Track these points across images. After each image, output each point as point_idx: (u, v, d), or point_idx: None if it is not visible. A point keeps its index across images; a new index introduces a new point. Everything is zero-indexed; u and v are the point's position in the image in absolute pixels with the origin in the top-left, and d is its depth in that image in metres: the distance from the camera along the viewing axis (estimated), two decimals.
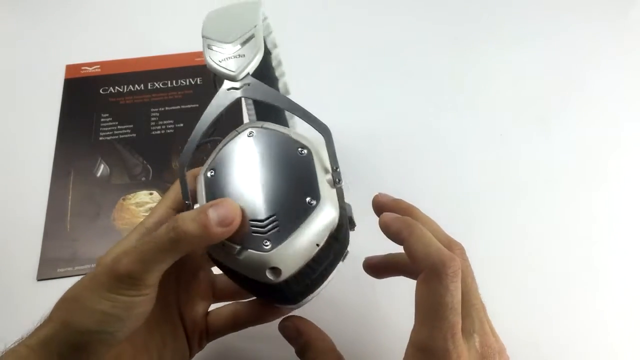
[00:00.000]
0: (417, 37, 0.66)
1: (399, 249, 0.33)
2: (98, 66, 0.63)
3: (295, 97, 0.35)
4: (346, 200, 0.32)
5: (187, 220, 0.28)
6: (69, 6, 0.69)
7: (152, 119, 0.58)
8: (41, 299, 0.45)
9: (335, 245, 0.31)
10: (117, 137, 0.57)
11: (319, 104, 0.62)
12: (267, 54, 0.40)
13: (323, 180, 0.31)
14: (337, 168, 0.32)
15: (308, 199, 0.30)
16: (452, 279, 0.29)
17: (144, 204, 0.52)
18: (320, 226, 0.30)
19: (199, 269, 0.37)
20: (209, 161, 0.33)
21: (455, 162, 0.55)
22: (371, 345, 0.43)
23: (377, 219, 0.34)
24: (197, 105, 0.60)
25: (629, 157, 0.56)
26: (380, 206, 0.35)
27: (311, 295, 0.32)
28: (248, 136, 0.33)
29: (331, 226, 0.31)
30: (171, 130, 0.58)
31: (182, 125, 0.58)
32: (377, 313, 0.45)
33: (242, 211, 0.30)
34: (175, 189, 0.35)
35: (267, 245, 0.29)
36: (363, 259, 0.39)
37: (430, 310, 0.29)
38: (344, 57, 0.64)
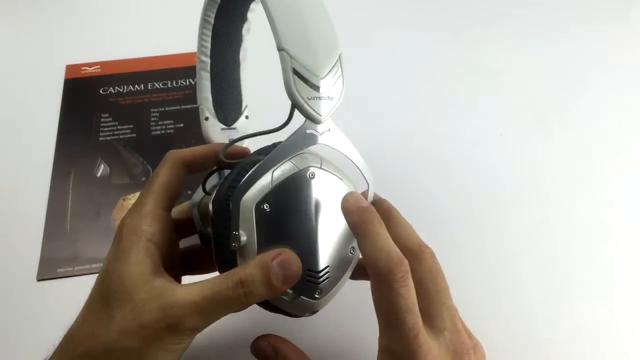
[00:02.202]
0: (417, 38, 0.66)
1: None
2: (98, 66, 0.63)
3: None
4: None
5: (259, 285, 0.29)
6: (69, 6, 0.69)
7: (152, 119, 0.58)
8: (41, 299, 0.46)
9: None
10: (117, 137, 0.57)
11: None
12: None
13: None
14: None
15: (350, 249, 0.33)
16: (401, 283, 0.29)
17: None
18: (351, 273, 0.34)
19: (176, 255, 0.37)
20: (258, 188, 0.30)
21: (455, 162, 0.55)
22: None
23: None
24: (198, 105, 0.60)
25: (629, 156, 0.56)
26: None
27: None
28: (309, 177, 0.32)
29: None
30: (171, 131, 0.58)
31: (182, 125, 0.58)
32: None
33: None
34: (159, 183, 0.34)
35: (318, 295, 0.32)
36: None
37: (387, 316, 0.29)
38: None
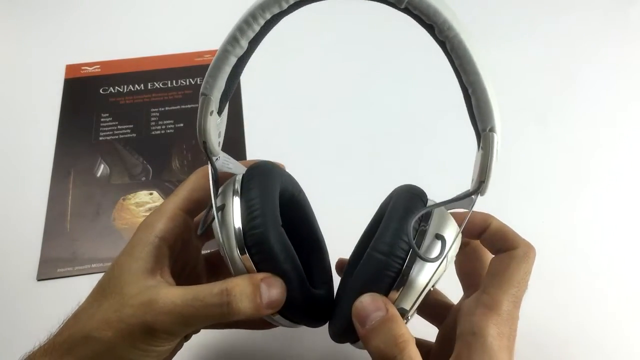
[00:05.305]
0: (414, 36, 0.66)
1: None
2: (98, 66, 0.63)
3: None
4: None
5: (244, 298, 0.29)
6: (69, 6, 0.69)
7: (152, 119, 0.58)
8: (41, 299, 0.46)
9: None
10: (117, 137, 0.57)
11: (319, 102, 0.62)
12: None
13: None
14: None
15: None
16: (534, 262, 0.32)
17: (144, 204, 0.52)
18: None
19: (196, 260, 0.37)
20: (435, 268, 0.30)
21: (455, 161, 0.55)
22: None
23: None
24: (197, 105, 0.60)
25: (628, 155, 0.56)
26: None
27: None
28: None
29: None
30: (171, 130, 0.58)
31: (182, 125, 0.58)
32: None
33: None
34: (188, 188, 0.34)
35: None
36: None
37: (512, 281, 0.31)
38: (339, 58, 0.64)
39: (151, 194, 0.53)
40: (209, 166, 0.33)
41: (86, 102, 0.60)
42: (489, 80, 0.29)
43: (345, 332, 0.31)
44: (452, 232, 0.31)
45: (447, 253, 0.30)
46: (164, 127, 0.58)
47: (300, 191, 0.37)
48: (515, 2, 0.69)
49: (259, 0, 0.28)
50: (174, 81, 0.62)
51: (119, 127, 0.58)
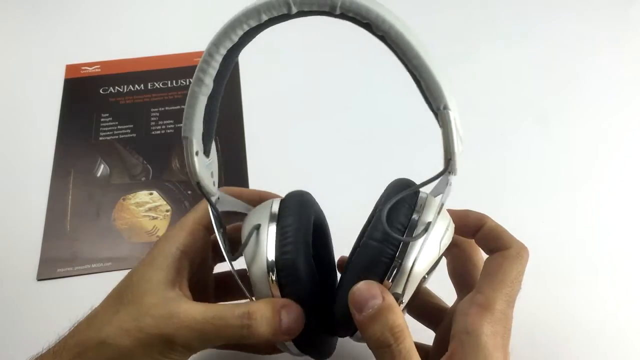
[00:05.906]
0: None
1: None
2: (98, 66, 0.63)
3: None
4: None
5: (264, 322, 0.29)
6: (69, 6, 0.69)
7: (152, 119, 0.58)
8: (41, 299, 0.46)
9: None
10: (117, 137, 0.57)
11: (320, 102, 0.62)
12: None
13: None
14: None
15: None
16: (527, 263, 0.32)
17: (144, 204, 0.52)
18: None
19: (208, 278, 0.37)
20: (430, 258, 0.30)
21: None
22: None
23: None
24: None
25: (628, 155, 0.56)
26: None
27: None
28: None
29: None
30: (171, 130, 0.58)
31: (182, 125, 0.58)
32: None
33: None
34: (205, 204, 0.34)
35: None
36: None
37: (506, 280, 0.31)
38: (339, 57, 0.64)
39: (151, 194, 0.53)
40: (209, 206, 0.32)
41: (86, 102, 0.60)
42: (433, 61, 0.30)
43: (344, 323, 0.31)
44: (438, 216, 0.31)
45: (430, 230, 0.30)
46: (164, 127, 0.58)
47: (324, 219, 0.38)
48: (515, 1, 0.69)
49: (212, 37, 0.29)
50: (174, 81, 0.62)
51: (119, 127, 0.58)
